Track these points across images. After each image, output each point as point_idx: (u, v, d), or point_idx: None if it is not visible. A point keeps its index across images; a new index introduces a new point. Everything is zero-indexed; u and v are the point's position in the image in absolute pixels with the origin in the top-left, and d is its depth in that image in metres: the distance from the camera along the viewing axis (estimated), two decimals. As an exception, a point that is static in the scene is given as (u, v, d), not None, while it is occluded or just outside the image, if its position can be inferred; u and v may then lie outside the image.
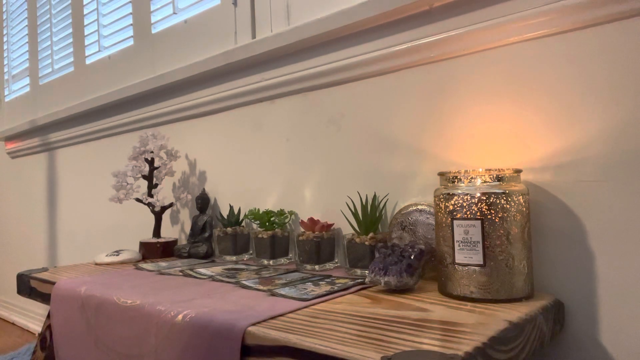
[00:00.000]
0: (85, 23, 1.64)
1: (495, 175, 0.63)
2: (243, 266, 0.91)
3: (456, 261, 0.62)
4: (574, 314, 0.66)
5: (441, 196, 0.65)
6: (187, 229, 1.26)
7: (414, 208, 0.77)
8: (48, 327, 0.87)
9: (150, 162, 1.14)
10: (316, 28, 0.91)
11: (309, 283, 0.72)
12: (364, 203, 0.81)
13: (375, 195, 0.84)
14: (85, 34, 1.64)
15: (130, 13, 1.46)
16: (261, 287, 0.70)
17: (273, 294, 0.66)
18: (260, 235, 0.92)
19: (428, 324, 0.52)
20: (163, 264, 0.98)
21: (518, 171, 0.65)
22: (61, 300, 0.79)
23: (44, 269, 0.98)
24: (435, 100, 0.80)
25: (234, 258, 0.99)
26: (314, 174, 0.98)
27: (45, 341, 0.88)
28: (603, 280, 0.64)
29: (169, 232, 1.31)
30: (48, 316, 0.85)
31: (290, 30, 0.95)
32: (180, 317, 0.59)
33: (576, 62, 0.67)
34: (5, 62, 2.14)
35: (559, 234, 0.68)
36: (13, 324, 2.06)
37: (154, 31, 1.38)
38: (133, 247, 1.41)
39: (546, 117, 0.69)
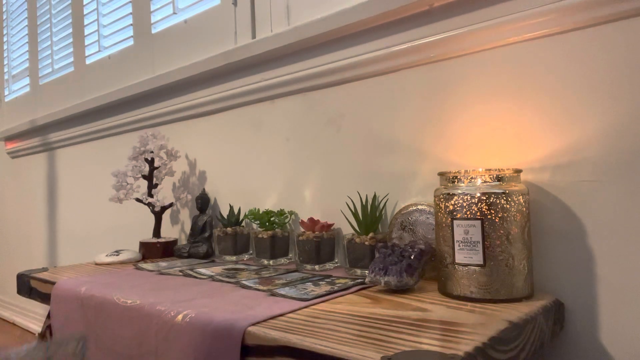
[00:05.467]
0: (85, 23, 1.64)
1: (495, 175, 0.63)
2: (243, 266, 0.91)
3: (456, 261, 0.62)
4: (574, 314, 0.66)
5: (441, 196, 0.65)
6: (187, 229, 1.26)
7: (414, 208, 0.77)
8: (48, 327, 0.87)
9: (150, 162, 1.14)
10: (316, 28, 0.91)
11: (309, 283, 0.72)
12: (364, 203, 0.81)
13: (375, 195, 0.84)
14: (85, 34, 1.64)
15: (130, 13, 1.45)
16: (261, 287, 0.70)
17: (273, 294, 0.66)
18: (260, 235, 0.92)
19: (428, 324, 0.52)
20: (163, 264, 0.98)
21: (518, 171, 0.65)
22: (61, 300, 0.79)
23: (44, 269, 0.98)
24: (435, 101, 0.80)
25: (234, 258, 0.99)
26: (314, 174, 0.98)
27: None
28: (603, 280, 0.64)
29: (169, 232, 1.31)
30: (48, 316, 0.85)
31: (290, 30, 0.95)
32: (180, 317, 0.59)
33: (576, 62, 0.67)
34: (5, 62, 2.14)
35: (559, 234, 0.68)
36: (13, 324, 2.06)
37: (154, 31, 1.38)
38: (133, 247, 1.41)
39: (546, 117, 0.69)
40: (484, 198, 0.61)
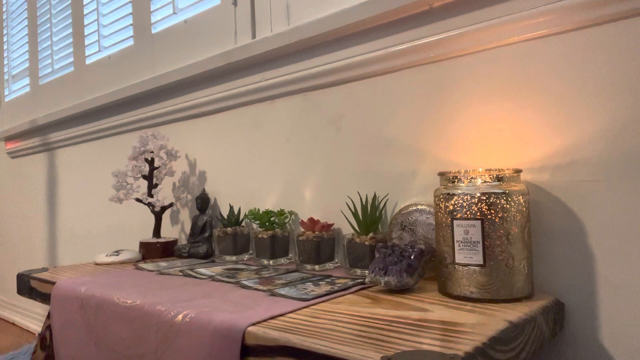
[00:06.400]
0: (85, 23, 1.64)
1: (495, 175, 0.63)
2: (243, 266, 0.91)
3: (456, 261, 0.62)
4: (574, 314, 0.66)
5: (441, 196, 0.65)
6: (187, 229, 1.26)
7: (414, 208, 0.77)
8: (48, 327, 0.87)
9: (150, 162, 1.14)
10: (316, 28, 0.91)
11: (309, 283, 0.72)
12: (364, 203, 0.81)
13: (375, 195, 0.84)
14: (85, 34, 1.64)
15: (130, 13, 1.45)
16: (261, 287, 0.70)
17: (273, 294, 0.66)
18: (260, 235, 0.92)
19: (428, 324, 0.52)
20: (163, 264, 0.98)
21: (518, 171, 0.65)
22: (61, 300, 0.79)
23: (44, 269, 0.98)
24: (435, 100, 0.80)
25: (234, 258, 0.99)
26: (314, 174, 0.98)
27: (45, 341, 0.88)
28: (603, 280, 0.64)
29: (169, 232, 1.31)
30: (48, 316, 0.85)
31: (290, 30, 0.95)
32: (180, 317, 0.59)
33: (576, 62, 0.67)
34: (5, 62, 2.14)
35: (559, 234, 0.68)
36: (13, 324, 2.06)
37: (154, 31, 1.38)
38: (133, 247, 1.41)
39: (546, 117, 0.69)
40: (484, 198, 0.61)
